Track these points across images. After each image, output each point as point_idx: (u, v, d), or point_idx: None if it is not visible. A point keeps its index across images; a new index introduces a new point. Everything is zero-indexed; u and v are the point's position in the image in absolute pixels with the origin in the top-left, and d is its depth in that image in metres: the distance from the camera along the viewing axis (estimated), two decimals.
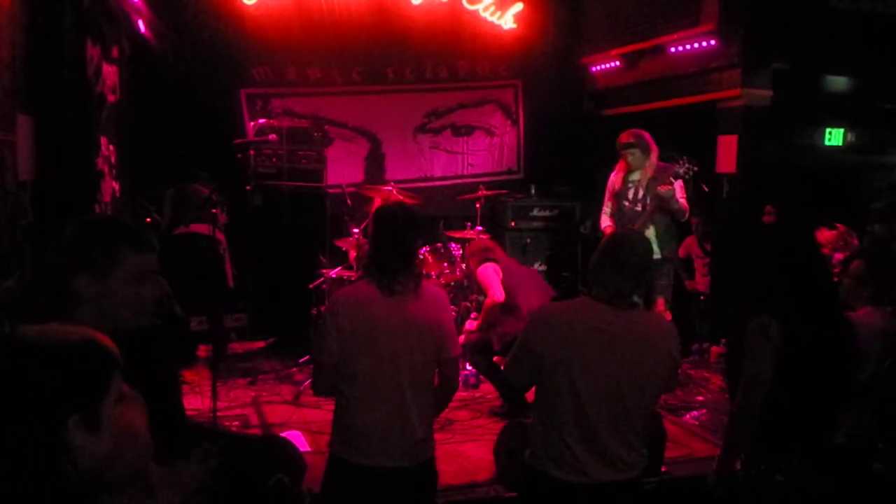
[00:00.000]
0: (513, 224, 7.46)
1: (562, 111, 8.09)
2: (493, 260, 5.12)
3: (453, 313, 5.67)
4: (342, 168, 7.31)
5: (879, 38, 6.08)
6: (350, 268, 5.77)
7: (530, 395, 4.71)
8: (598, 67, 7.74)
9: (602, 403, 2.48)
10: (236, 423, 4.72)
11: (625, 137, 5.52)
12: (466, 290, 6.06)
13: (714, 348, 6.44)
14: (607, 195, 5.73)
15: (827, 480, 2.77)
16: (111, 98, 4.92)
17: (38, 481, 1.29)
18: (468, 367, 5.38)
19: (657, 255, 5.48)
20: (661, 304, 5.56)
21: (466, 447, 4.41)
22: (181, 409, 3.42)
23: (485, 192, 6.65)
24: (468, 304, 6.00)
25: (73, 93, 3.67)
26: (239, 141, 6.43)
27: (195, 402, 4.68)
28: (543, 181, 7.85)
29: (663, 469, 3.97)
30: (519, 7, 7.79)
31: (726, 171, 6.19)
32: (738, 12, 5.93)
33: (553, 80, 8.05)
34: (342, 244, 6.08)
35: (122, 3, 5.16)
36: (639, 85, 7.22)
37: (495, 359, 5.00)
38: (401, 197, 5.98)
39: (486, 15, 7.74)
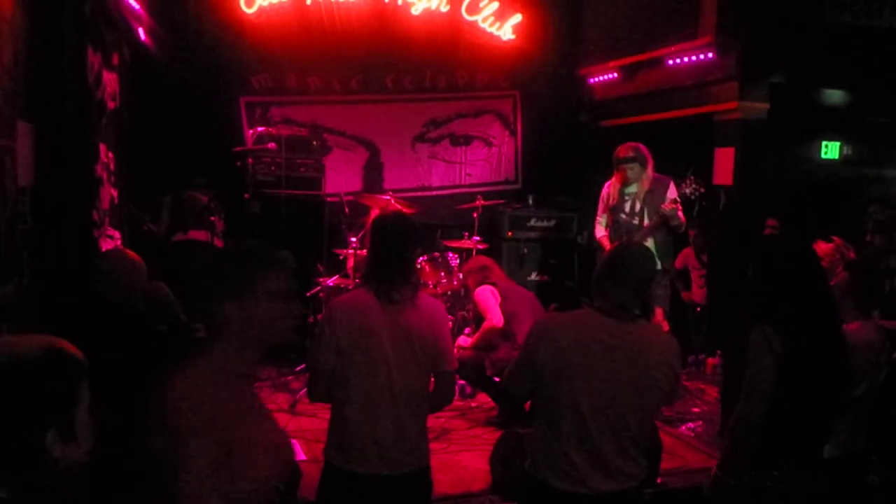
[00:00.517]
0: (510, 234, 7.48)
1: (560, 122, 8.13)
2: (492, 283, 5.14)
3: (450, 324, 5.70)
4: (340, 177, 7.33)
5: (876, 53, 6.12)
6: (347, 276, 5.77)
7: (527, 404, 4.74)
8: (596, 79, 7.78)
9: (602, 415, 2.49)
10: None
11: (623, 151, 5.51)
12: (463, 299, 6.07)
13: (710, 360, 6.45)
14: (601, 207, 5.73)
15: (819, 489, 2.78)
16: (111, 105, 4.93)
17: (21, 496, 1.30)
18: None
19: (657, 266, 5.50)
20: (659, 314, 5.56)
21: (462, 457, 4.41)
22: None
23: (482, 201, 6.67)
24: (465, 313, 6.01)
25: (73, 99, 3.67)
26: (238, 149, 6.45)
27: None
28: (541, 191, 7.88)
29: (658, 480, 3.97)
30: (518, 18, 7.83)
31: (723, 183, 6.22)
32: (736, 25, 5.97)
33: (551, 91, 8.09)
34: (341, 252, 6.09)
35: (122, 10, 5.18)
36: (636, 97, 7.25)
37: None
38: (399, 206, 6.00)
39: (486, 26, 7.78)
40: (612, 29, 7.50)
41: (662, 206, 5.29)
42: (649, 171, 5.49)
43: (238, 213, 6.39)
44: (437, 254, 6.30)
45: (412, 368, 2.68)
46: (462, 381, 5.39)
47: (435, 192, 7.91)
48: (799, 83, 6.22)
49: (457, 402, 5.36)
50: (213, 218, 4.72)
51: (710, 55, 6.13)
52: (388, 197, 6.10)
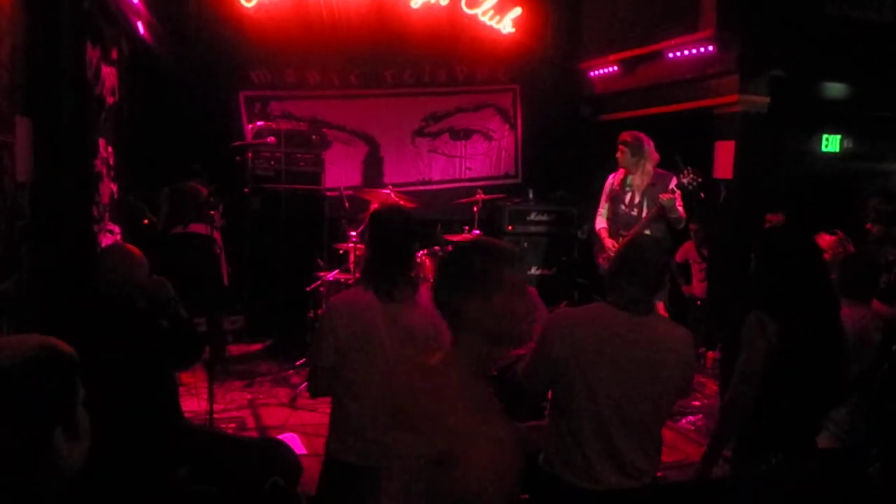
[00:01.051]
0: (510, 228, 7.47)
1: (559, 116, 8.11)
2: None
3: None
4: (340, 171, 7.32)
5: (876, 46, 6.11)
6: (347, 270, 5.77)
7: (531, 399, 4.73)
8: (596, 72, 7.76)
9: (617, 409, 2.50)
10: (233, 425, 4.72)
11: (623, 135, 5.56)
12: None
13: (710, 353, 6.45)
14: (604, 197, 5.75)
15: (813, 477, 2.80)
16: (110, 100, 4.92)
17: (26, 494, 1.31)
18: None
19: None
20: (660, 308, 5.56)
21: None
22: (178, 411, 3.43)
23: (483, 196, 6.67)
24: None
25: (71, 94, 3.66)
26: (238, 144, 6.45)
27: (192, 404, 4.69)
28: (541, 186, 7.88)
29: (659, 474, 3.97)
30: (518, 12, 7.81)
31: (723, 176, 6.20)
32: (736, 19, 5.95)
33: (551, 85, 8.07)
34: (341, 247, 6.09)
35: (121, 4, 5.16)
36: (636, 90, 7.24)
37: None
38: (398, 200, 6.00)
39: (485, 19, 7.77)
40: (612, 22, 7.48)
41: (661, 195, 5.31)
42: (649, 166, 5.49)
43: (238, 207, 6.39)
44: (437, 248, 6.29)
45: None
46: None
47: (435, 187, 7.91)
48: (799, 76, 6.20)
49: None
50: (212, 212, 4.71)
51: (711, 48, 6.11)
52: (387, 191, 6.10)
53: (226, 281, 5.98)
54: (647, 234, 4.89)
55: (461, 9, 7.68)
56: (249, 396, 5.31)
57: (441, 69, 7.89)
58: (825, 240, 5.00)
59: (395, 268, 2.72)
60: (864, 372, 3.35)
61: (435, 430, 1.61)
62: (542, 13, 7.93)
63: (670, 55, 6.51)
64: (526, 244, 7.47)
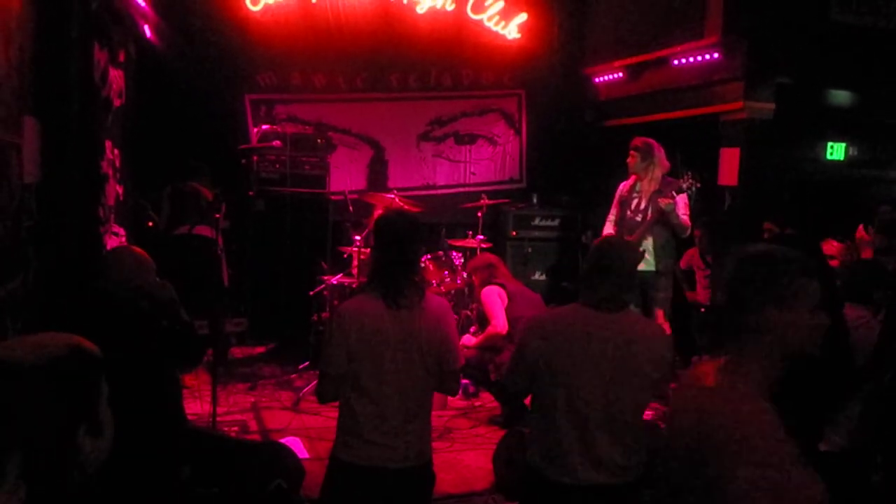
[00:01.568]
0: (514, 233, 7.48)
1: (564, 121, 8.13)
2: (500, 283, 5.11)
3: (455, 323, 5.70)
4: (345, 175, 7.34)
5: (882, 54, 6.11)
6: (351, 274, 5.78)
7: (529, 403, 4.74)
8: (601, 78, 7.77)
9: (596, 405, 2.54)
10: (235, 428, 4.72)
11: (635, 140, 5.57)
12: (467, 298, 6.07)
13: None
14: (614, 203, 5.77)
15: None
16: (117, 102, 4.94)
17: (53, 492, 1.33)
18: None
19: (652, 268, 5.51)
20: (660, 316, 5.57)
21: (465, 456, 4.41)
22: (181, 413, 3.44)
23: (487, 200, 6.67)
24: (469, 312, 6.01)
25: (79, 96, 3.68)
26: (244, 147, 6.46)
27: (195, 407, 4.69)
28: (545, 191, 7.88)
29: None
30: (523, 17, 7.83)
31: (728, 183, 6.20)
32: (742, 25, 5.95)
33: (556, 91, 8.09)
34: (345, 250, 6.09)
35: (129, 7, 5.19)
36: (641, 96, 7.24)
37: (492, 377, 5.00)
38: (403, 205, 6.00)
39: (491, 25, 7.78)
40: (618, 28, 7.49)
41: (660, 199, 5.31)
42: (657, 172, 5.50)
43: (242, 210, 6.40)
44: (440, 252, 6.30)
45: (419, 371, 2.72)
46: (466, 381, 5.40)
47: (439, 191, 7.92)
48: (805, 83, 6.20)
49: (460, 402, 5.37)
50: (217, 215, 4.72)
51: (716, 55, 6.12)
52: (392, 195, 6.11)
53: (226, 283, 5.98)
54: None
55: (467, 14, 7.70)
56: (252, 399, 5.31)
57: (446, 74, 7.91)
58: (833, 246, 5.00)
59: (401, 273, 2.73)
60: (860, 372, 3.34)
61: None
62: (547, 19, 7.95)
63: (676, 62, 6.51)
64: (530, 249, 7.48)
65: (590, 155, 7.94)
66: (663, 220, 5.42)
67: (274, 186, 6.59)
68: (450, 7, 7.59)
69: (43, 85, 3.39)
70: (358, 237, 5.86)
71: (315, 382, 4.79)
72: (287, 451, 3.61)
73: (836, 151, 7.62)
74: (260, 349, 6.53)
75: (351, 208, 6.40)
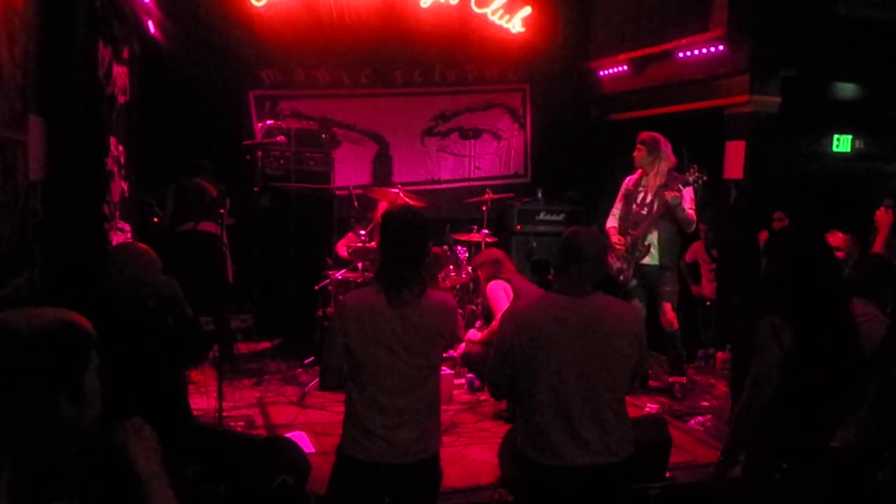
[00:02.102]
0: (519, 228, 7.47)
1: (569, 115, 8.10)
2: (505, 279, 5.09)
3: (460, 318, 5.71)
4: (349, 170, 7.34)
5: (888, 46, 6.07)
6: (356, 269, 5.78)
7: None
8: (606, 72, 7.75)
9: (574, 387, 2.65)
10: (241, 423, 4.73)
11: (642, 134, 5.57)
12: (472, 293, 6.07)
13: (720, 354, 6.43)
14: (619, 197, 5.76)
15: (826, 483, 2.78)
16: (121, 99, 4.95)
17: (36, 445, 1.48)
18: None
19: (655, 261, 5.52)
20: (668, 309, 5.56)
21: (471, 450, 4.41)
22: (187, 409, 3.45)
23: (491, 195, 6.66)
24: (474, 307, 6.01)
25: (83, 93, 3.69)
26: (248, 143, 6.46)
27: (201, 403, 4.70)
28: (550, 185, 7.87)
29: (668, 475, 3.96)
30: (527, 11, 7.80)
31: (734, 177, 6.19)
32: (747, 19, 5.93)
33: (560, 85, 8.06)
34: (340, 249, 6.09)
35: (132, 3, 5.19)
36: (646, 90, 7.22)
37: None
38: (407, 200, 6.00)
39: (495, 19, 7.76)
40: (622, 22, 7.46)
41: (667, 193, 5.31)
42: (663, 166, 5.50)
43: (247, 206, 6.41)
44: (445, 247, 6.31)
45: (422, 365, 2.73)
46: (471, 375, 5.41)
47: (444, 186, 7.91)
48: (811, 76, 6.18)
49: (466, 396, 5.38)
50: (222, 211, 4.73)
51: (721, 48, 6.10)
52: (396, 190, 6.10)
53: (231, 279, 5.99)
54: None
55: (471, 8, 7.67)
56: (258, 394, 5.33)
57: (451, 69, 7.89)
58: (838, 237, 4.98)
59: (407, 269, 2.74)
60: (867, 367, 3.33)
61: None
62: (551, 12, 7.92)
63: (680, 55, 6.49)
64: (535, 244, 7.47)
65: (594, 149, 7.92)
66: (669, 214, 5.42)
67: (279, 182, 6.58)
68: (454, 1, 7.57)
69: (47, 83, 3.40)
70: (363, 232, 5.86)
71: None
72: (293, 447, 3.62)
73: (842, 143, 7.59)
74: (266, 345, 6.55)
75: (356, 203, 6.40)
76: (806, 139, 7.36)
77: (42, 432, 1.50)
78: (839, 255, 4.91)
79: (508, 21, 7.80)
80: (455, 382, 5.41)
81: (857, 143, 7.72)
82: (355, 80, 7.61)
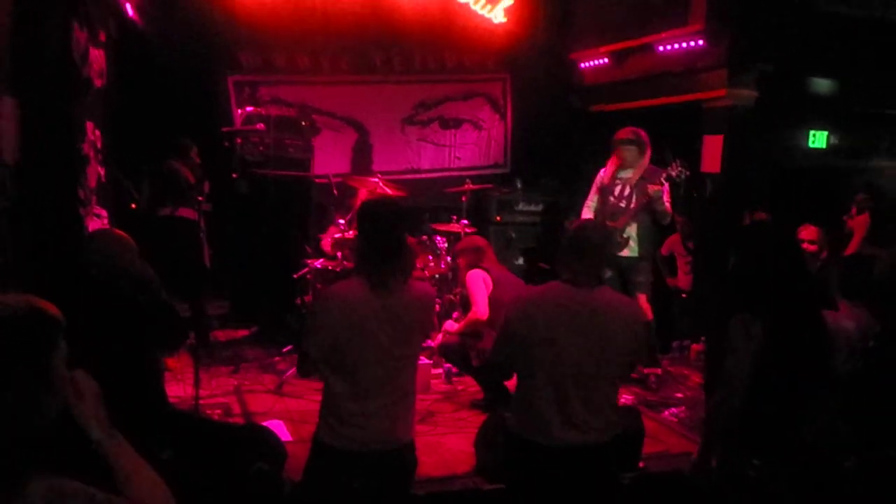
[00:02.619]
0: (498, 218, 7.48)
1: (550, 106, 8.10)
2: (485, 268, 5.09)
3: (437, 307, 5.71)
4: (329, 158, 7.30)
5: (864, 43, 6.14)
6: (334, 258, 5.77)
7: (511, 386, 4.77)
8: (587, 64, 7.76)
9: (572, 372, 2.79)
10: (219, 411, 4.72)
11: (624, 133, 5.58)
12: (451, 283, 6.08)
13: (694, 346, 6.51)
14: (593, 189, 5.79)
15: (798, 476, 2.83)
16: (98, 83, 4.88)
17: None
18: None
19: (636, 254, 5.56)
20: (643, 300, 5.61)
21: (447, 439, 4.44)
22: (163, 396, 3.44)
23: (471, 185, 6.67)
24: (452, 297, 6.03)
25: (58, 76, 3.64)
26: (227, 129, 6.39)
27: (178, 390, 4.68)
28: (530, 175, 7.88)
29: (640, 465, 4.02)
30: (510, 1, 7.79)
31: (711, 170, 6.23)
32: (726, 13, 5.96)
33: (541, 75, 8.06)
34: (325, 245, 6.07)
35: None
36: (626, 82, 7.24)
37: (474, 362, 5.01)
38: (387, 189, 5.99)
39: (477, 8, 7.74)
40: (603, 14, 7.47)
41: (649, 186, 5.35)
42: (645, 159, 5.54)
43: (226, 192, 6.36)
44: (424, 237, 6.31)
45: (402, 354, 2.78)
46: (448, 365, 5.43)
47: (424, 175, 7.90)
48: (788, 71, 6.22)
49: (443, 386, 5.40)
50: (200, 198, 4.70)
51: (700, 42, 6.13)
52: (376, 179, 6.09)
53: (208, 265, 5.94)
54: (592, 220, 5.02)
55: None
56: (235, 382, 5.31)
57: (431, 57, 7.86)
58: (811, 230, 5.04)
59: (386, 259, 2.77)
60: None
61: None
62: (533, 3, 7.90)
63: (660, 48, 6.52)
64: (514, 234, 7.49)
65: (574, 140, 7.94)
66: (649, 206, 5.46)
67: (257, 169, 6.54)
68: None
69: (21, 65, 3.35)
70: (342, 220, 5.85)
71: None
72: (269, 434, 3.63)
73: (818, 139, 7.69)
74: (243, 332, 6.52)
75: (335, 191, 6.38)
76: (782, 134, 7.45)
77: (13, 420, 1.49)
78: (811, 247, 4.98)
79: (490, 11, 7.78)
80: (433, 372, 5.42)
81: (833, 139, 7.82)
82: (336, 66, 7.56)
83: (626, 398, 5.38)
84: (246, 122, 6.49)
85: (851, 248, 4.78)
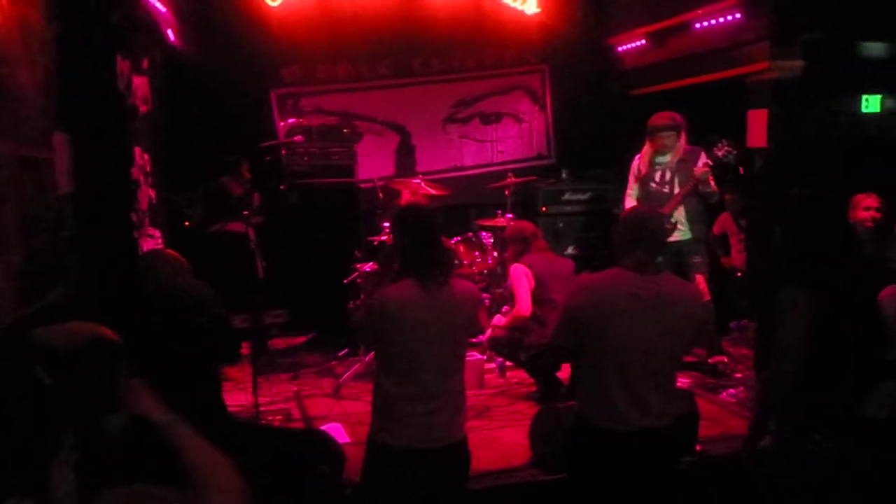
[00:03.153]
0: (544, 209, 7.45)
1: (589, 93, 8.03)
2: (528, 264, 4.99)
3: (486, 302, 5.74)
4: (373, 162, 7.40)
5: None
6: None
7: (563, 376, 4.79)
8: (624, 47, 7.67)
9: (638, 358, 2.83)
10: (279, 417, 4.85)
11: (659, 120, 5.51)
12: (500, 277, 6.10)
13: (752, 325, 6.37)
14: (630, 178, 5.73)
15: (857, 451, 2.78)
16: (143, 108, 5.07)
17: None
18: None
19: (689, 236, 5.48)
20: (701, 281, 5.50)
21: (503, 433, 4.48)
22: (222, 406, 3.56)
23: (513, 178, 6.66)
24: (501, 290, 6.04)
25: (105, 109, 3.80)
26: (265, 144, 6.52)
27: (240, 398, 4.84)
28: (574, 164, 7.83)
29: (698, 448, 3.98)
30: None
31: (757, 145, 6.09)
32: None
33: (579, 63, 7.99)
34: (376, 239, 6.16)
35: (150, 14, 5.30)
36: (666, 63, 7.13)
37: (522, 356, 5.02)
38: (429, 189, 6.05)
39: (509, 1, 7.72)
40: None
41: (695, 169, 5.28)
42: (683, 140, 5.47)
43: (276, 204, 6.52)
44: (470, 234, 6.34)
45: (450, 351, 2.89)
46: (500, 359, 5.46)
47: (468, 172, 7.93)
48: (834, 38, 6.03)
49: (497, 380, 5.44)
50: (246, 212, 4.84)
51: (738, 16, 6.00)
52: (417, 180, 6.16)
53: (261, 276, 6.10)
54: (646, 207, 4.92)
55: None
56: (295, 388, 5.45)
57: (469, 54, 7.88)
58: (873, 198, 4.89)
59: (429, 256, 2.87)
60: None
61: None
62: None
63: (698, 25, 6.41)
64: (561, 224, 7.45)
65: (617, 125, 7.84)
66: (694, 190, 5.37)
67: (304, 179, 6.69)
68: None
69: (69, 100, 3.51)
70: (387, 224, 5.93)
71: (355, 368, 4.95)
72: (328, 437, 3.72)
73: (871, 104, 7.40)
74: (300, 339, 6.67)
75: (381, 195, 6.47)
76: (832, 101, 7.19)
77: (96, 437, 1.62)
78: (875, 215, 4.82)
79: (523, 3, 7.76)
80: (486, 367, 5.46)
81: (888, 102, 7.52)
82: (375, 72, 7.66)
83: (682, 381, 5.32)
84: (289, 134, 6.63)
85: None
